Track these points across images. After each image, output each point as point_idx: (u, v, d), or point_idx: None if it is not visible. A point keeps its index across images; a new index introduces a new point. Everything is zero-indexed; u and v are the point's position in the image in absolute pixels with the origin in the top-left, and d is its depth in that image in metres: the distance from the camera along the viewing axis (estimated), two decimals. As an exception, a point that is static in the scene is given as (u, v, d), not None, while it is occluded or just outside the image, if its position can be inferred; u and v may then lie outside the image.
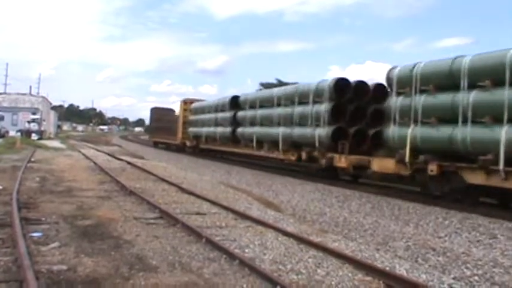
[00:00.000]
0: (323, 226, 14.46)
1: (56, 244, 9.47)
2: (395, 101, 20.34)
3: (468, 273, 9.82)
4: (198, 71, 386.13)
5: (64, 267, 7.91)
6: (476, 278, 9.52)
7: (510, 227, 13.87)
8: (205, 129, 44.09)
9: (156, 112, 73.36)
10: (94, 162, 29.29)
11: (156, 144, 67.10)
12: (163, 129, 64.53)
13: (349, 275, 8.26)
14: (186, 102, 53.61)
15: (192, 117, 50.04)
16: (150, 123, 79.29)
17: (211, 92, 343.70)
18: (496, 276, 9.63)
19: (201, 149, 46.32)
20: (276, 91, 32.10)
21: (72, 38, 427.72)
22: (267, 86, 57.04)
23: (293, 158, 28.09)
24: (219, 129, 40.17)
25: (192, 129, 48.94)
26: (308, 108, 26.73)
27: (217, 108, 41.88)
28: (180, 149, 53.09)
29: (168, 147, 61.48)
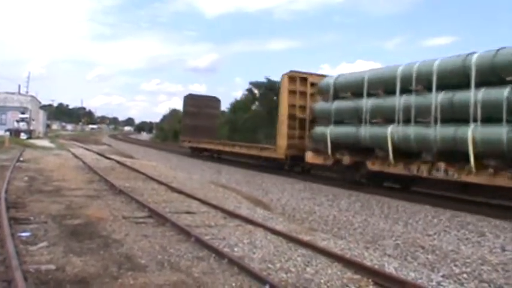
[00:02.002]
0: (312, 225, 14.48)
1: (44, 244, 9.42)
2: None
3: (457, 270, 9.87)
4: (188, 69, 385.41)
5: (52, 266, 7.87)
6: (464, 275, 9.57)
7: (498, 224, 13.96)
8: (390, 130, 19.69)
9: (192, 103, 49.16)
10: (83, 162, 29.16)
11: (195, 152, 44.66)
12: (204, 129, 45.70)
13: (338, 273, 8.26)
14: (294, 78, 28.19)
15: (325, 106, 24.33)
16: (183, 117, 51.19)
17: (202, 91, 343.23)
18: (484, 273, 9.68)
19: (371, 172, 21.49)
20: None
21: (61, 36, 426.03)
22: (256, 85, 55.86)
23: None
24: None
25: (328, 131, 23.40)
26: None
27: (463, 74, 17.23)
28: (276, 166, 29.73)
29: (213, 158, 41.07)
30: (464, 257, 10.79)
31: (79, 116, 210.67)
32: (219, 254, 8.97)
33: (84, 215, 12.56)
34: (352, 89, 22.61)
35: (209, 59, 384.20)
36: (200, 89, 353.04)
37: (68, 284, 7.14)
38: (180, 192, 17.40)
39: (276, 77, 43.18)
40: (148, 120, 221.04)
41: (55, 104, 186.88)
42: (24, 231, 10.38)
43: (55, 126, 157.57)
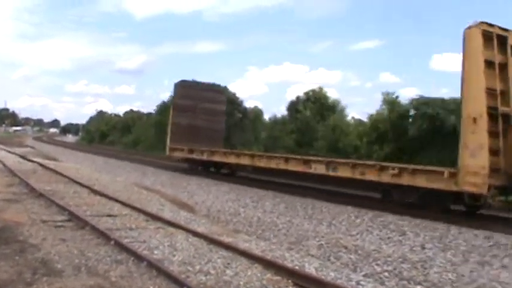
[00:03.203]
0: (237, 226, 14.49)
1: (-44, 250, 9.08)
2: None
3: (378, 269, 10.04)
4: (116, 71, 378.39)
5: (-37, 274, 7.58)
6: (386, 274, 9.76)
7: (418, 223, 14.22)
8: None
9: (186, 93, 33.88)
10: (3, 164, 28.23)
11: (195, 166, 30.94)
12: (206, 132, 32.83)
13: (258, 274, 8.23)
14: (490, 36, 15.03)
15: None
16: (174, 113, 33.97)
17: (129, 92, 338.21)
18: (405, 271, 9.91)
19: None
20: None
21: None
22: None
23: None
24: None
25: None
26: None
27: None
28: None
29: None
30: (386, 256, 10.99)
31: (2, 117, 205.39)
32: (138, 257, 8.81)
33: (0, 219, 12.14)
34: None
35: (138, 60, 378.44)
36: (128, 90, 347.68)
37: (-22, 292, 6.88)
38: (102, 194, 17.05)
39: (203, 79, 41.18)
40: (74, 122, 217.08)
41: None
42: None
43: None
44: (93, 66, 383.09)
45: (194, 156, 29.90)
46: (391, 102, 31.78)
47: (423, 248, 11.71)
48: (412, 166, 17.12)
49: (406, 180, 16.26)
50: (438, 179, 15.31)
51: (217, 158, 27.61)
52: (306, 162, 20.94)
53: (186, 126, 32.56)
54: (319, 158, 21.48)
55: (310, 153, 30.51)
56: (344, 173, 18.60)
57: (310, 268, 9.10)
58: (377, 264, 10.41)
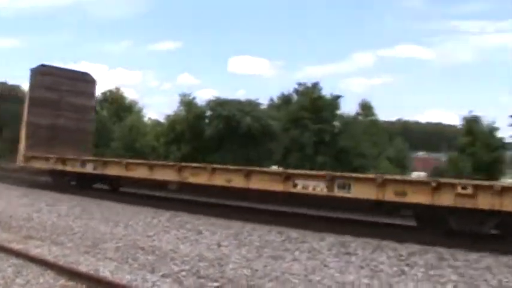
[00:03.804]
0: (30, 232, 13.86)
1: None
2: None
3: (176, 269, 10.08)
4: None
5: None
6: (183, 273, 9.81)
7: (214, 222, 14.52)
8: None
9: (47, 82, 25.70)
10: None
11: (68, 181, 22.75)
12: (71, 134, 25.89)
13: (51, 281, 8.03)
14: None
15: None
16: (29, 108, 24.99)
17: None
18: (202, 269, 10.03)
19: None
20: None
21: None
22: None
23: None
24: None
25: None
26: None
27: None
28: None
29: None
30: (183, 255, 11.06)
31: None
32: None
33: None
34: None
35: None
36: None
37: None
38: None
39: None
40: None
41: None
42: None
43: None
44: None
45: (68, 168, 21.92)
46: (188, 103, 32.41)
47: (219, 245, 11.96)
48: (499, 183, 12.24)
49: (485, 202, 11.21)
50: None
51: (114, 172, 19.61)
52: (288, 178, 14.33)
53: (47, 127, 25.30)
54: (320, 172, 14.73)
55: (107, 153, 30.00)
56: (363, 193, 12.90)
57: (105, 271, 8.99)
58: (174, 264, 10.44)
